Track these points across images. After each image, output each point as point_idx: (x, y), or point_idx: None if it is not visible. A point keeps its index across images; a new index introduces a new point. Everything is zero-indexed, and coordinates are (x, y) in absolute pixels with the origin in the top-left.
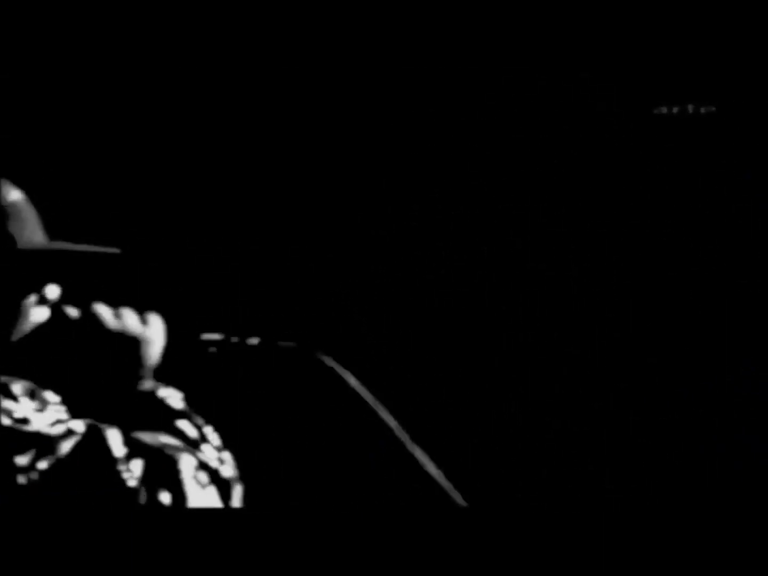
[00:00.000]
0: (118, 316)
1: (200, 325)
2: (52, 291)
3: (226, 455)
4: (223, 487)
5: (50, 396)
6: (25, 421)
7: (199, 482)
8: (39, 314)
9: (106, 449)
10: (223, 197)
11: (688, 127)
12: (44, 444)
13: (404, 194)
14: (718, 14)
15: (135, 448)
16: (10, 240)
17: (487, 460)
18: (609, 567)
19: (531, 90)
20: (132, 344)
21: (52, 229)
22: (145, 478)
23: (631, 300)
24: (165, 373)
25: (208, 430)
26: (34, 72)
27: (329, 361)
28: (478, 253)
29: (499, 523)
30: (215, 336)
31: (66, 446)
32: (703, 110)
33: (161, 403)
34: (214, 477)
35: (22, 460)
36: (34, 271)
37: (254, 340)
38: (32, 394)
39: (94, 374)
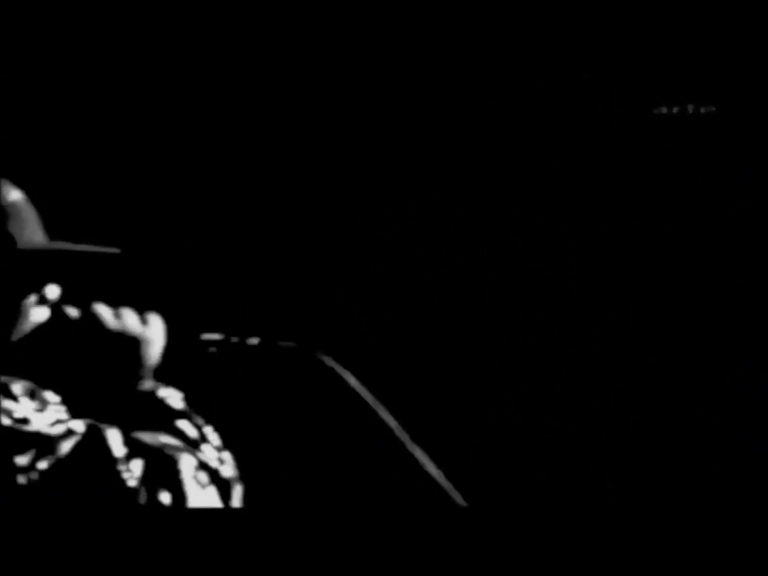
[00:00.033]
0: (118, 316)
1: (200, 325)
2: (52, 291)
3: (226, 455)
4: (223, 487)
5: (50, 396)
6: (25, 421)
7: (199, 482)
8: (39, 314)
9: (106, 449)
10: (223, 197)
11: (688, 127)
12: (44, 444)
13: (404, 194)
14: (717, 14)
15: (135, 448)
16: (10, 240)
17: (487, 460)
18: (609, 567)
19: (531, 90)
20: (132, 344)
21: (52, 229)
22: (145, 478)
23: (631, 300)
24: (165, 373)
25: (208, 430)
26: (34, 72)
27: (329, 361)
28: (478, 253)
29: (499, 523)
30: (215, 336)
31: (66, 446)
32: (703, 110)
33: (161, 403)
34: (214, 477)
35: (22, 460)
36: (34, 271)
37: (254, 340)
38: (32, 394)
39: (94, 374)
